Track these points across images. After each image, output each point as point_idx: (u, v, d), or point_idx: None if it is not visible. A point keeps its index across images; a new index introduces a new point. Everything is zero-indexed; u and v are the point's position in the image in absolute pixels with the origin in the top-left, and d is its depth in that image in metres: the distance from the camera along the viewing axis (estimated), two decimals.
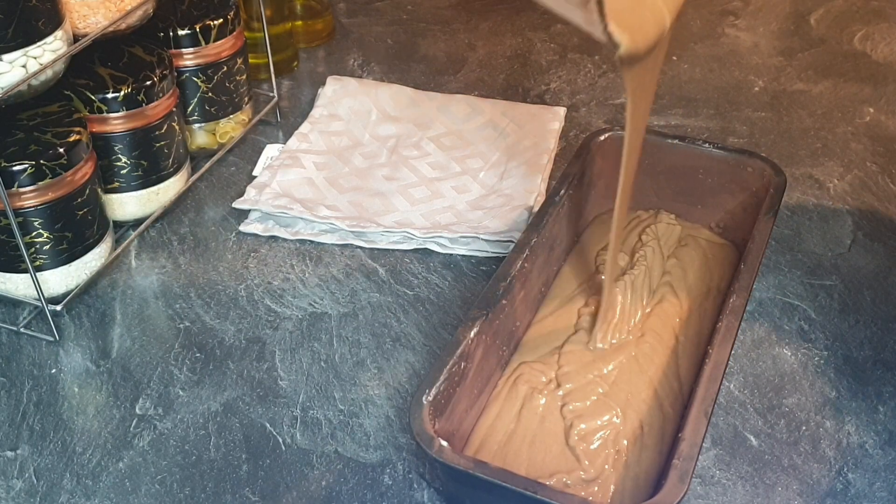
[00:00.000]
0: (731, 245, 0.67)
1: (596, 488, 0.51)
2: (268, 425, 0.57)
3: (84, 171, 0.62)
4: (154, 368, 0.61)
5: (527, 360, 0.58)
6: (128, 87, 0.66)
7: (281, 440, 0.56)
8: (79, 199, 0.62)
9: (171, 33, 0.72)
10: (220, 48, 0.75)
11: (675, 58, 0.94)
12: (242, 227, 0.72)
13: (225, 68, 0.76)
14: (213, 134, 0.79)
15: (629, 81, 0.46)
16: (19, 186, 0.59)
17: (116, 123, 0.67)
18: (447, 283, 0.67)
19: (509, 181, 0.75)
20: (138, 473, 0.54)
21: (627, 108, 0.49)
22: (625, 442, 0.53)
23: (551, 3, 0.39)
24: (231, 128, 0.80)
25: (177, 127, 0.71)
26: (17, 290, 0.63)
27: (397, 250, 0.70)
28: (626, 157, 0.52)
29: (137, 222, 0.71)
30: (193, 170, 0.77)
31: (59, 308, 0.63)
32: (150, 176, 0.70)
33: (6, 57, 0.57)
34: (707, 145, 0.67)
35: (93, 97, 0.65)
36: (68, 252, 0.63)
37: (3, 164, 0.58)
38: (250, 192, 0.73)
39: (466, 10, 1.03)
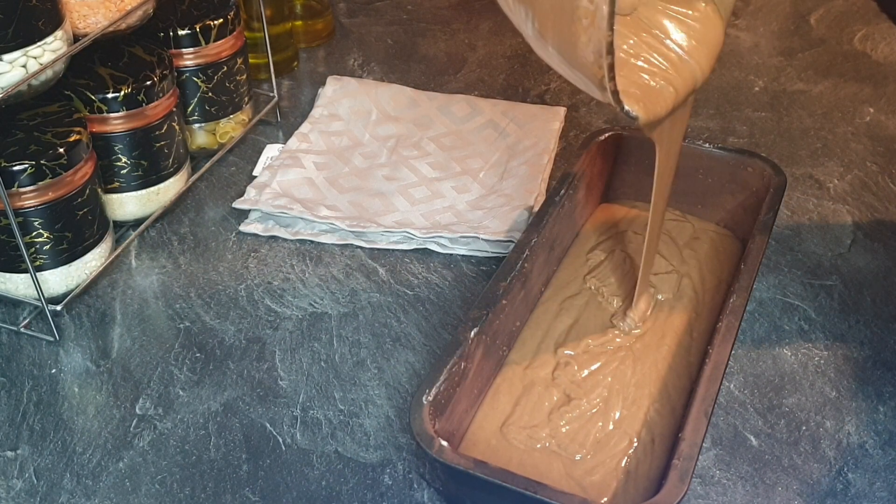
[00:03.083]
0: (737, 239, 0.67)
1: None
2: (268, 425, 0.57)
3: (84, 171, 0.62)
4: (154, 368, 0.61)
5: (514, 361, 0.58)
6: (128, 87, 0.66)
7: (281, 440, 0.56)
8: (79, 199, 0.62)
9: (171, 33, 0.72)
10: (220, 48, 0.75)
11: None
12: (242, 227, 0.72)
13: (225, 68, 0.76)
14: (213, 134, 0.79)
15: (655, 137, 0.51)
16: (19, 186, 0.59)
17: (116, 123, 0.67)
18: (447, 283, 0.67)
19: (509, 181, 0.75)
20: (138, 473, 0.54)
21: (657, 158, 0.54)
22: (636, 461, 0.52)
23: (571, 77, 0.44)
24: (231, 128, 0.79)
25: (177, 127, 0.71)
26: (18, 290, 0.63)
27: (397, 250, 0.70)
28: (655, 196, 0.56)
29: (137, 222, 0.71)
30: (193, 170, 0.77)
31: (59, 308, 0.63)
32: (150, 176, 0.70)
33: (6, 57, 0.57)
34: (707, 145, 0.67)
35: (93, 97, 0.65)
36: (68, 252, 0.63)
37: (3, 164, 0.58)
38: (250, 192, 0.73)
39: (466, 10, 1.03)
